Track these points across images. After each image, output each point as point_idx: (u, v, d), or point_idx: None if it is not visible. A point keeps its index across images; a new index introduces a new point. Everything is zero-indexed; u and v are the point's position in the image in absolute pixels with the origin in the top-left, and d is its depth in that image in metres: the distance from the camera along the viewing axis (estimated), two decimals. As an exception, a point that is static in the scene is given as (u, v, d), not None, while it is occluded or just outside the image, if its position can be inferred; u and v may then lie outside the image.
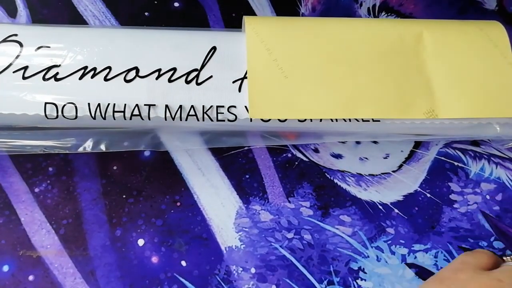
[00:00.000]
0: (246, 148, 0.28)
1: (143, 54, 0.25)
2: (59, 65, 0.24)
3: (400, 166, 0.28)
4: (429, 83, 0.26)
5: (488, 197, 0.28)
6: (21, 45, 0.25)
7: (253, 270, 0.25)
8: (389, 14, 0.33)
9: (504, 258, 0.24)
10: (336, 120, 0.25)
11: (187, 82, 0.25)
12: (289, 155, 0.28)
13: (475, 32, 0.27)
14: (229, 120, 0.24)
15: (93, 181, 0.26)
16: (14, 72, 0.24)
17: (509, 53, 0.26)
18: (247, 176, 0.27)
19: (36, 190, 0.26)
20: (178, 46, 0.26)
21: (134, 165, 0.27)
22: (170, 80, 0.25)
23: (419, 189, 0.28)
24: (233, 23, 0.31)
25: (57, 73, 0.24)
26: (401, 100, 0.25)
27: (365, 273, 0.26)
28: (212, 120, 0.24)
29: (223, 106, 0.24)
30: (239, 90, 0.25)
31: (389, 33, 0.26)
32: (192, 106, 0.24)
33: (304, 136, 0.28)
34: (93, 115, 0.24)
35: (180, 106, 0.24)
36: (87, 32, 0.26)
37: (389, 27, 0.27)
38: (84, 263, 0.25)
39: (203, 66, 0.25)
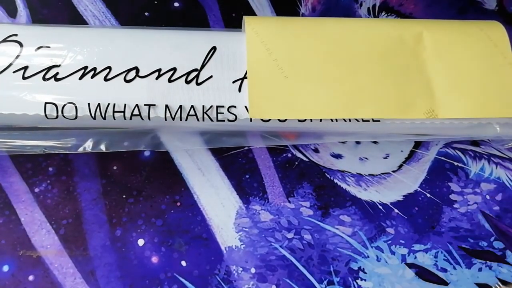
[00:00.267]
0: (246, 148, 0.28)
1: (143, 54, 0.25)
2: (59, 65, 0.24)
3: (400, 166, 0.28)
4: (429, 83, 0.26)
5: (488, 197, 0.28)
6: (21, 45, 0.25)
7: (253, 270, 0.25)
8: (389, 14, 0.33)
9: None
10: (336, 120, 0.25)
11: (187, 82, 0.25)
12: (289, 155, 0.28)
13: (475, 32, 0.27)
14: (229, 120, 0.24)
15: (93, 181, 0.27)
16: (14, 72, 0.24)
17: (509, 53, 0.26)
18: (247, 176, 0.27)
19: (36, 190, 0.26)
20: (178, 46, 0.26)
21: (134, 165, 0.27)
22: (170, 80, 0.25)
23: (419, 189, 0.28)
24: (233, 23, 0.31)
25: (57, 73, 0.24)
26: (401, 100, 0.25)
27: (365, 273, 0.26)
28: (212, 120, 0.24)
29: (223, 106, 0.24)
30: (239, 90, 0.25)
31: (389, 33, 0.26)
32: (192, 106, 0.24)
33: (304, 136, 0.28)
34: (93, 115, 0.24)
35: (180, 106, 0.24)
36: (87, 32, 0.26)
37: (389, 27, 0.27)
38: (84, 263, 0.25)
39: (203, 66, 0.25)
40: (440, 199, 0.28)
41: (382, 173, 0.28)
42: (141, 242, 0.25)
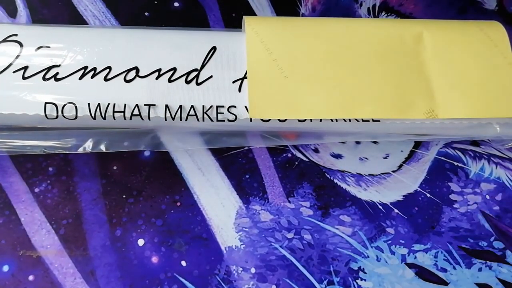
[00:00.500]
0: (246, 148, 0.28)
1: (143, 54, 0.25)
2: (59, 65, 0.24)
3: (400, 166, 0.28)
4: (429, 83, 0.26)
5: (488, 197, 0.28)
6: (21, 45, 0.25)
7: (253, 270, 0.25)
8: (389, 14, 0.33)
9: None
10: (336, 120, 0.25)
11: (187, 82, 0.25)
12: (289, 155, 0.28)
13: (475, 32, 0.27)
14: (229, 120, 0.24)
15: (93, 181, 0.27)
16: (14, 72, 0.24)
17: (509, 53, 0.26)
18: (247, 176, 0.27)
19: (36, 190, 0.26)
20: (178, 46, 0.26)
21: (134, 165, 0.27)
22: (170, 80, 0.25)
23: (419, 189, 0.28)
24: (233, 23, 0.31)
25: (57, 73, 0.24)
26: (401, 100, 0.25)
27: (365, 273, 0.26)
28: (212, 120, 0.24)
29: (223, 106, 0.24)
30: (239, 90, 0.25)
31: (389, 33, 0.26)
32: (192, 106, 0.24)
33: (304, 136, 0.28)
34: (93, 115, 0.24)
35: (180, 106, 0.24)
36: (87, 32, 0.26)
37: (389, 27, 0.27)
38: (84, 263, 0.25)
39: (203, 66, 0.25)
40: (440, 199, 0.28)
41: (382, 173, 0.28)
42: (141, 242, 0.25)
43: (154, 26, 0.28)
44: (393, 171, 0.28)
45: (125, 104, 0.24)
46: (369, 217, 0.27)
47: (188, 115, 0.24)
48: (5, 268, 0.24)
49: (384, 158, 0.29)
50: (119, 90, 0.24)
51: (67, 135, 0.25)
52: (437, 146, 0.29)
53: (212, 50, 0.26)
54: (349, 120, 0.25)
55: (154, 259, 0.25)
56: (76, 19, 0.30)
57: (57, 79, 0.24)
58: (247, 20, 0.26)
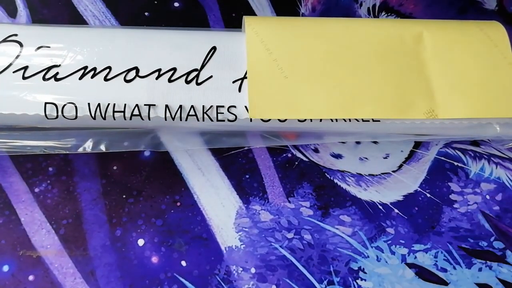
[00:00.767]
0: (246, 148, 0.28)
1: (143, 54, 0.25)
2: (59, 65, 0.24)
3: (400, 166, 0.28)
4: (429, 83, 0.26)
5: (488, 197, 0.28)
6: (21, 45, 0.25)
7: (253, 270, 0.25)
8: (389, 14, 0.33)
9: None
10: (336, 120, 0.25)
11: (187, 82, 0.25)
12: (289, 155, 0.28)
13: (475, 32, 0.27)
14: (229, 120, 0.24)
15: (93, 181, 0.27)
16: (14, 72, 0.24)
17: (509, 53, 0.26)
18: (247, 176, 0.27)
19: (36, 190, 0.26)
20: (178, 46, 0.26)
21: (134, 165, 0.27)
22: (170, 80, 0.25)
23: (419, 189, 0.28)
24: (233, 23, 0.31)
25: (57, 73, 0.24)
26: (401, 100, 0.25)
27: (365, 273, 0.26)
28: (212, 120, 0.24)
29: (223, 106, 0.24)
30: (239, 90, 0.25)
31: (389, 33, 0.26)
32: (192, 106, 0.24)
33: (304, 136, 0.28)
34: (93, 115, 0.24)
35: (180, 106, 0.24)
36: (87, 32, 0.26)
37: (389, 27, 0.27)
38: (84, 263, 0.25)
39: (203, 66, 0.25)
40: (440, 199, 0.28)
41: (382, 173, 0.28)
42: (141, 242, 0.25)
43: (154, 26, 0.28)
44: (393, 171, 0.28)
45: (125, 104, 0.24)
46: (369, 217, 0.27)
47: (188, 115, 0.24)
48: (5, 268, 0.24)
49: (384, 158, 0.29)
50: (119, 90, 0.24)
51: (67, 135, 0.25)
52: (437, 146, 0.29)
53: (212, 50, 0.26)
54: (349, 120, 0.25)
55: (154, 259, 0.25)
56: (76, 19, 0.30)
57: (57, 79, 0.24)
58: (247, 20, 0.26)
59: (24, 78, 0.24)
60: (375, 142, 0.29)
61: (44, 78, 0.24)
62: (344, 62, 0.25)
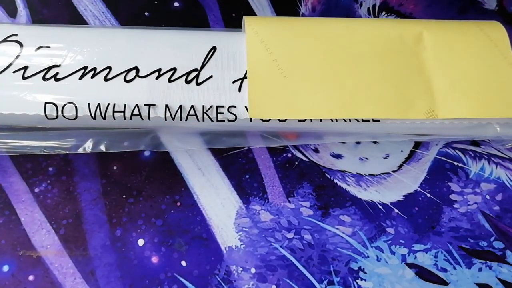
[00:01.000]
0: (246, 148, 0.28)
1: (143, 54, 0.25)
2: (59, 65, 0.24)
3: (400, 166, 0.28)
4: (429, 83, 0.26)
5: (488, 197, 0.28)
6: (21, 45, 0.25)
7: (253, 270, 0.25)
8: (389, 14, 0.33)
9: None
10: (336, 120, 0.25)
11: (187, 82, 0.25)
12: (289, 155, 0.28)
13: (475, 32, 0.27)
14: (229, 120, 0.24)
15: (93, 181, 0.27)
16: (14, 72, 0.24)
17: (509, 53, 0.26)
18: (247, 176, 0.27)
19: (36, 190, 0.26)
20: (178, 46, 0.26)
21: (134, 165, 0.27)
22: (170, 80, 0.25)
23: (419, 189, 0.28)
24: (233, 23, 0.31)
25: (57, 73, 0.24)
26: (401, 100, 0.25)
27: (365, 273, 0.26)
28: (212, 120, 0.24)
29: (223, 106, 0.24)
30: (239, 90, 0.25)
31: (389, 33, 0.26)
32: (192, 106, 0.24)
33: (304, 137, 0.28)
34: (93, 115, 0.24)
35: (180, 106, 0.24)
36: (87, 32, 0.26)
37: (389, 27, 0.27)
38: (84, 263, 0.25)
39: (203, 66, 0.25)
40: (440, 199, 0.28)
41: (382, 173, 0.28)
42: (141, 242, 0.25)
43: (154, 26, 0.28)
44: (393, 171, 0.28)
45: (125, 104, 0.24)
46: (369, 217, 0.27)
47: (188, 115, 0.24)
48: (5, 268, 0.24)
49: (384, 158, 0.29)
50: (119, 90, 0.24)
51: (67, 135, 0.25)
52: (437, 146, 0.29)
53: (212, 50, 0.26)
54: (349, 120, 0.25)
55: (154, 259, 0.25)
56: (76, 19, 0.30)
57: (57, 79, 0.24)
58: (247, 20, 0.26)
59: (24, 78, 0.24)
60: (375, 142, 0.29)
61: (44, 78, 0.24)
62: (344, 62, 0.25)
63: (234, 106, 0.25)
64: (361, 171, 0.28)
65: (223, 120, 0.24)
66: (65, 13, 0.30)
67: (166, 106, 0.24)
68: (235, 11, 0.32)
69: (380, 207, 0.27)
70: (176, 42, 0.26)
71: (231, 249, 0.26)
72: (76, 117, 0.24)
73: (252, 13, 0.32)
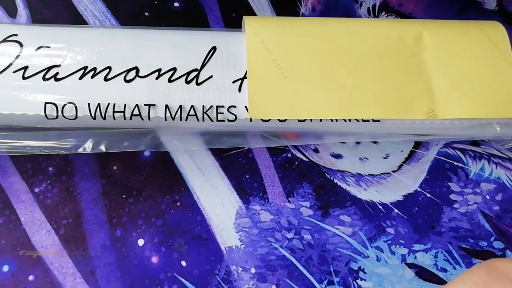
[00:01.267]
0: (246, 148, 0.28)
1: (143, 54, 0.25)
2: (59, 65, 0.24)
3: (400, 166, 0.28)
4: (429, 83, 0.26)
5: (488, 197, 0.28)
6: (21, 45, 0.25)
7: (253, 270, 0.25)
8: (389, 14, 0.33)
9: None
10: (336, 120, 0.25)
11: (187, 82, 0.25)
12: (289, 155, 0.28)
13: (475, 32, 0.27)
14: (229, 120, 0.24)
15: (93, 181, 0.26)
16: (14, 72, 0.24)
17: (509, 53, 0.26)
18: (247, 176, 0.27)
19: (36, 190, 0.26)
20: (178, 46, 0.26)
21: (134, 165, 0.27)
22: (170, 80, 0.25)
23: (419, 189, 0.28)
24: (233, 23, 0.31)
25: (57, 73, 0.24)
26: (401, 100, 0.25)
27: (365, 273, 0.26)
28: (212, 120, 0.24)
29: (223, 106, 0.24)
30: (239, 90, 0.25)
31: (389, 33, 0.26)
32: (192, 106, 0.24)
33: (304, 137, 0.28)
34: (93, 115, 0.24)
35: (180, 106, 0.24)
36: (87, 32, 0.26)
37: (389, 27, 0.27)
38: (84, 263, 0.25)
39: (203, 66, 0.25)
40: (440, 199, 0.28)
41: (382, 173, 0.28)
42: (141, 242, 0.25)
43: (154, 26, 0.28)
44: (393, 171, 0.28)
45: (125, 104, 0.24)
46: (369, 217, 0.27)
47: (188, 115, 0.24)
48: (5, 268, 0.24)
49: (384, 158, 0.29)
50: (119, 90, 0.24)
51: (67, 136, 0.25)
52: (437, 146, 0.29)
53: (212, 50, 0.26)
54: (349, 120, 0.25)
55: (154, 259, 0.25)
56: (76, 19, 0.30)
57: (57, 79, 0.24)
58: (247, 20, 0.26)
59: (24, 78, 0.24)
60: (375, 142, 0.29)
61: (44, 78, 0.24)
62: (344, 62, 0.25)
63: (234, 106, 0.25)
64: (361, 171, 0.28)
65: (223, 120, 0.24)
66: (65, 13, 0.30)
67: (166, 106, 0.24)
68: (235, 11, 0.32)
69: (380, 207, 0.27)
70: (176, 42, 0.26)
71: (231, 249, 0.26)
72: (76, 117, 0.24)
73: (252, 13, 0.32)
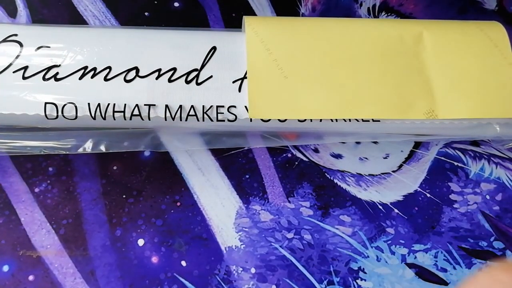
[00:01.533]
0: (246, 148, 0.28)
1: (143, 54, 0.25)
2: (59, 65, 0.24)
3: (400, 166, 0.28)
4: (429, 83, 0.26)
5: (488, 197, 0.28)
6: (21, 45, 0.25)
7: (253, 270, 0.25)
8: (389, 14, 0.33)
9: None
10: (336, 120, 0.25)
11: (187, 82, 0.25)
12: (289, 155, 0.28)
13: (475, 32, 0.27)
14: (229, 120, 0.24)
15: (93, 181, 0.27)
16: (14, 72, 0.24)
17: (509, 53, 0.26)
18: (247, 176, 0.27)
19: (36, 190, 0.26)
20: (178, 46, 0.26)
21: (134, 165, 0.27)
22: (170, 80, 0.25)
23: (419, 189, 0.28)
24: (233, 23, 0.31)
25: (57, 73, 0.24)
26: (401, 100, 0.25)
27: (365, 273, 0.26)
28: (212, 120, 0.24)
29: (223, 106, 0.24)
30: (239, 90, 0.25)
31: (389, 33, 0.26)
32: (192, 106, 0.24)
33: (304, 137, 0.28)
34: (93, 115, 0.24)
35: (180, 106, 0.24)
36: (87, 32, 0.26)
37: (389, 27, 0.27)
38: (84, 263, 0.25)
39: (203, 66, 0.25)
40: (440, 199, 0.28)
41: (382, 173, 0.28)
42: (141, 242, 0.25)
43: (154, 26, 0.28)
44: (393, 171, 0.28)
45: (125, 104, 0.24)
46: (369, 217, 0.27)
47: (188, 115, 0.24)
48: (5, 268, 0.24)
49: (384, 158, 0.29)
50: (119, 90, 0.24)
51: (67, 136, 0.25)
52: (437, 146, 0.29)
53: (212, 50, 0.26)
54: (349, 120, 0.25)
55: (154, 259, 0.25)
56: (76, 19, 0.30)
57: (57, 79, 0.24)
58: (247, 20, 0.26)
59: (24, 78, 0.24)
60: (375, 142, 0.29)
61: (44, 78, 0.24)
62: (344, 62, 0.25)
63: (234, 106, 0.25)
64: (361, 171, 0.28)
65: (223, 120, 0.24)
66: (65, 13, 0.30)
67: (166, 106, 0.24)
68: (235, 11, 0.32)
69: (380, 207, 0.27)
70: (176, 42, 0.26)
71: (231, 249, 0.26)
72: (76, 117, 0.24)
73: (252, 13, 0.32)
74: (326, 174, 0.28)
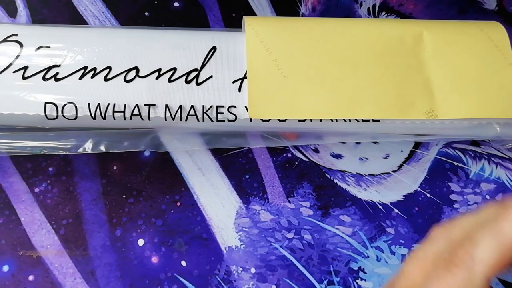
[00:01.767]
0: (246, 148, 0.28)
1: (143, 54, 0.25)
2: (59, 65, 0.24)
3: (400, 166, 0.28)
4: (429, 83, 0.26)
5: (488, 197, 0.28)
6: (21, 45, 0.25)
7: (253, 270, 0.25)
8: (389, 14, 0.33)
9: None
10: (336, 120, 0.25)
11: (187, 82, 0.25)
12: (289, 155, 0.28)
13: (475, 32, 0.27)
14: (229, 120, 0.24)
15: (93, 181, 0.26)
16: (14, 72, 0.24)
17: (509, 53, 0.26)
18: (247, 176, 0.27)
19: (36, 190, 0.26)
20: (178, 46, 0.26)
21: (134, 165, 0.27)
22: (170, 80, 0.25)
23: (419, 189, 0.28)
24: (233, 23, 0.31)
25: (57, 73, 0.24)
26: (401, 100, 0.25)
27: (365, 273, 0.26)
28: (212, 120, 0.24)
29: (223, 106, 0.24)
30: (239, 90, 0.25)
31: (389, 33, 0.26)
32: (192, 106, 0.24)
33: (304, 137, 0.28)
34: (93, 115, 0.24)
35: (180, 106, 0.24)
36: (87, 32, 0.26)
37: (389, 27, 0.27)
38: (84, 263, 0.25)
39: (203, 66, 0.25)
40: (440, 199, 0.28)
41: (382, 173, 0.28)
42: (141, 242, 0.25)
43: (154, 26, 0.28)
44: (393, 171, 0.28)
45: (125, 104, 0.24)
46: (369, 217, 0.27)
47: (188, 115, 0.24)
48: (5, 268, 0.24)
49: (384, 158, 0.29)
50: (119, 90, 0.24)
51: (67, 136, 0.25)
52: (437, 146, 0.29)
53: (212, 50, 0.26)
54: (349, 120, 0.25)
55: (154, 259, 0.25)
56: (76, 19, 0.30)
57: (57, 79, 0.24)
58: (247, 20, 0.26)
59: (24, 78, 0.24)
60: (375, 142, 0.29)
61: (44, 78, 0.24)
62: (344, 62, 0.25)
63: (234, 106, 0.25)
64: (361, 171, 0.28)
65: (223, 120, 0.24)
66: (65, 13, 0.30)
67: (166, 106, 0.24)
68: (235, 11, 0.32)
69: (380, 207, 0.27)
70: (176, 42, 0.26)
71: (231, 249, 0.26)
72: (76, 117, 0.24)
73: (252, 13, 0.32)
74: (326, 174, 0.28)
